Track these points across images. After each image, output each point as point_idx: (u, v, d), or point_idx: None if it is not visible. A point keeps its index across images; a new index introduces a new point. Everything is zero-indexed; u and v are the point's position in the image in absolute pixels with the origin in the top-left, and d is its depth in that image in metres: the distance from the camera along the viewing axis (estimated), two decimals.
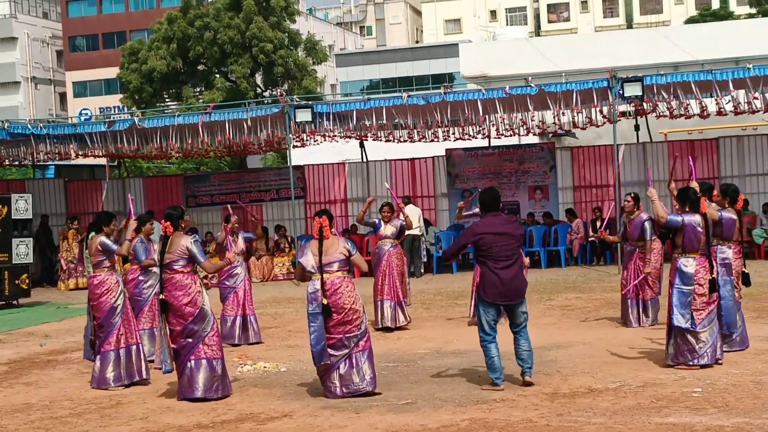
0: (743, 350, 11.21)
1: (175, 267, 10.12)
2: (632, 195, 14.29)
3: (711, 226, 10.69)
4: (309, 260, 9.93)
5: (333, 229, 10.13)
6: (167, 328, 10.15)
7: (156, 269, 11.86)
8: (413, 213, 22.88)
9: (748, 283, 11.48)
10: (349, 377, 9.79)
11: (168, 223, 10.23)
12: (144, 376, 11.19)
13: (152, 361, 11.76)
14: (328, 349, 9.75)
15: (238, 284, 14.33)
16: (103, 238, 11.31)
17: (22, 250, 21.46)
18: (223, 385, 10.14)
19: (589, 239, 23.93)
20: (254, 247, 25.06)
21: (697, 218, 10.40)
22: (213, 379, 10.03)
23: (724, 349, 10.75)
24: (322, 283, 9.78)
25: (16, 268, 21.39)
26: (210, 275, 14.26)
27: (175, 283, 10.08)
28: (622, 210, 15.56)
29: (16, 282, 21.38)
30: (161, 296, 10.12)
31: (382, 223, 15.06)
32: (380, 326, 14.58)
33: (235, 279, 14.36)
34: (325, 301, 9.71)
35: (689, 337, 10.28)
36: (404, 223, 15.21)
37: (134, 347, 11.18)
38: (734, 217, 11.33)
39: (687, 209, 10.56)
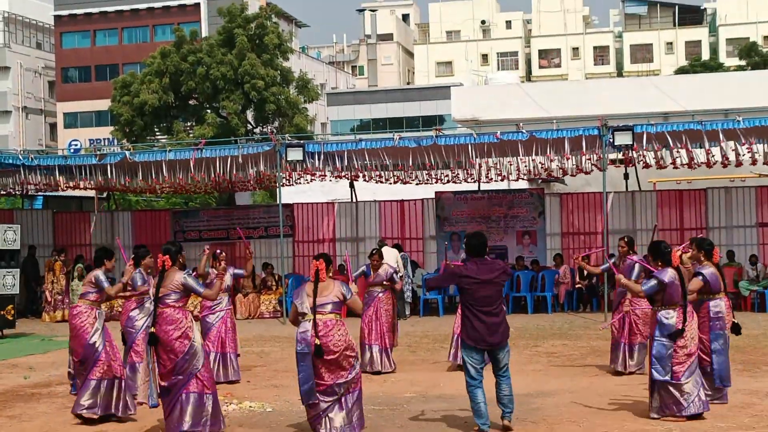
0: (725, 404, 11.18)
1: (167, 301, 10.13)
2: (626, 239, 14.34)
3: (688, 280, 10.75)
4: (303, 301, 9.88)
5: (330, 274, 10.09)
6: (155, 363, 10.13)
7: (149, 304, 11.90)
8: (389, 255, 22.76)
9: (738, 332, 11.50)
10: (336, 419, 9.76)
11: (167, 257, 10.26)
12: (120, 414, 11.01)
13: (135, 395, 11.70)
14: (319, 395, 9.69)
15: (217, 321, 14.23)
16: (99, 273, 11.34)
17: (9, 281, 21.36)
18: (214, 421, 10.07)
19: (576, 284, 24.00)
20: (241, 284, 25.02)
21: (671, 272, 10.47)
22: (202, 413, 9.96)
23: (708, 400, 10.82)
24: (315, 324, 9.75)
25: (2, 299, 21.25)
26: (211, 303, 14.18)
27: (166, 318, 10.08)
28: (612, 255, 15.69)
29: (2, 313, 21.24)
30: (151, 329, 10.11)
31: (371, 270, 15.08)
32: (366, 369, 14.50)
33: (216, 315, 14.28)
34: (317, 342, 9.65)
35: (672, 389, 10.28)
36: (396, 270, 15.26)
37: (117, 381, 11.09)
38: (714, 270, 11.37)
39: (659, 264, 10.64)
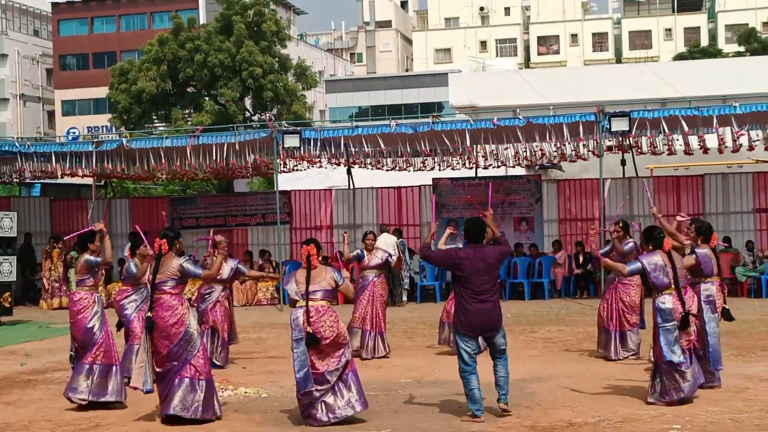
0: (719, 387, 11.20)
1: (164, 288, 10.15)
2: (620, 224, 14.28)
3: (678, 261, 10.72)
4: (293, 287, 10.00)
5: (320, 258, 10.18)
6: (150, 348, 10.14)
7: (137, 295, 12.03)
8: (387, 241, 22.77)
9: (730, 318, 11.53)
10: (333, 404, 9.82)
11: (163, 241, 10.26)
12: (115, 398, 11.04)
13: (128, 379, 11.72)
14: (312, 383, 9.76)
15: (208, 304, 14.16)
16: (87, 256, 11.32)
17: (6, 268, 21.37)
18: (206, 407, 10.06)
19: (573, 270, 24.07)
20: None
21: (657, 257, 10.47)
22: (193, 399, 9.98)
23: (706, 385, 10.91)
24: (307, 311, 9.81)
25: None
26: (205, 286, 14.15)
27: (162, 304, 10.10)
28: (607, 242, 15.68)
29: None
30: (149, 314, 10.13)
31: (365, 252, 15.02)
32: (361, 355, 14.46)
33: (206, 303, 14.22)
34: (309, 330, 9.72)
35: (676, 375, 10.28)
36: (391, 256, 15.17)
37: (113, 368, 11.11)
38: (709, 252, 11.38)
39: (650, 248, 10.67)
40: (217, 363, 13.88)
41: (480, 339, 10.30)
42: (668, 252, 10.50)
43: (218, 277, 13.92)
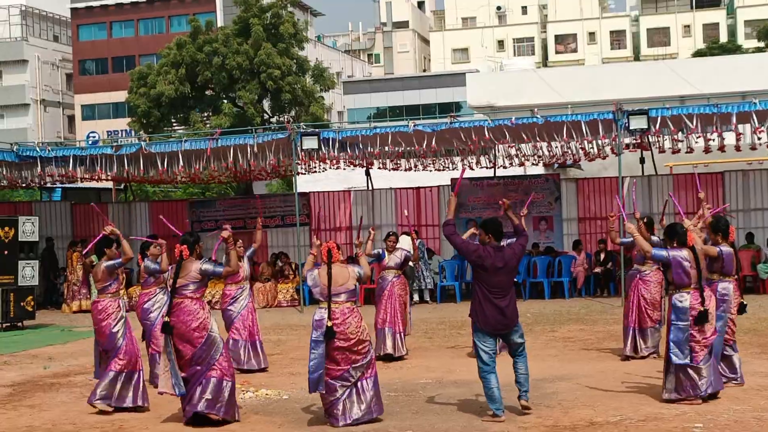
0: (742, 385, 11.17)
1: (185, 292, 10.18)
2: (644, 220, 14.21)
3: (704, 260, 10.68)
4: (317, 290, 10.04)
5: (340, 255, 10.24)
6: (173, 351, 10.15)
7: (162, 295, 12.07)
8: (402, 241, 22.71)
9: (743, 311, 11.50)
10: (353, 406, 9.86)
11: (184, 246, 10.30)
12: (138, 403, 11.08)
13: (156, 386, 11.76)
14: (334, 381, 9.80)
15: (242, 309, 14.18)
16: (105, 262, 11.37)
17: (28, 273, 21.52)
18: (228, 407, 10.10)
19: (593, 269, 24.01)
20: (260, 271, 25.12)
21: (684, 253, 10.39)
22: (218, 398, 10.01)
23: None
24: (329, 310, 9.87)
25: (21, 290, 21.41)
26: (229, 280, 13.99)
27: (183, 309, 10.11)
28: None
29: (21, 304, 21.40)
30: (166, 318, 10.14)
31: (386, 253, 15.06)
32: (380, 353, 14.48)
33: (240, 304, 14.23)
34: (329, 323, 9.76)
35: (691, 372, 10.27)
36: (409, 253, 15.20)
37: (135, 374, 11.14)
38: (731, 252, 11.34)
39: (675, 244, 10.60)
40: (264, 366, 13.96)
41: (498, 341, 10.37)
42: (692, 247, 10.45)
43: (241, 274, 13.94)
